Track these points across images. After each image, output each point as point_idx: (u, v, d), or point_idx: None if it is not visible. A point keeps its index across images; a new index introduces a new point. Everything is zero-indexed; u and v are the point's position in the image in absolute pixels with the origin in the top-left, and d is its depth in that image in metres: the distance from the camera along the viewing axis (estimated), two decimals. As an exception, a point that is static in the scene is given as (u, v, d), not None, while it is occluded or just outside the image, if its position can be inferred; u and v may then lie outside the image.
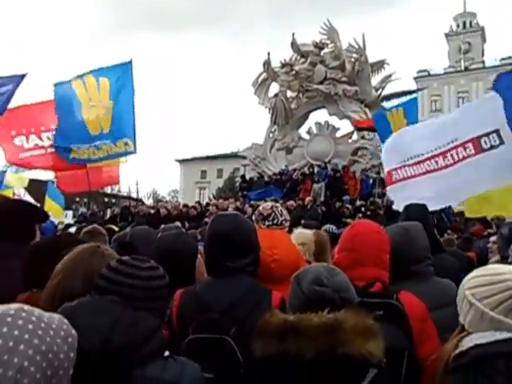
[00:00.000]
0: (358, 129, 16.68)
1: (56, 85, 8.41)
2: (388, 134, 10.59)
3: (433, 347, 1.76)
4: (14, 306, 0.81)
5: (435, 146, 5.03)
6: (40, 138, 8.72)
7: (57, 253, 1.62)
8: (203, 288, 1.90)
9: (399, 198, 5.30)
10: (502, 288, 1.34)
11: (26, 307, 0.81)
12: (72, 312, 1.20)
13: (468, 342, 1.35)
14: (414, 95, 15.69)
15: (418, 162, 5.18)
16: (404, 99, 13.30)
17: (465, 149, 4.72)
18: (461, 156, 4.75)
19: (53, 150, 8.68)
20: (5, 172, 12.48)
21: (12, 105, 7.98)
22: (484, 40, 52.40)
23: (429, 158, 5.07)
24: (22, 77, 6.35)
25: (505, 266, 1.47)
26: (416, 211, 3.16)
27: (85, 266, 1.51)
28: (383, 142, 11.23)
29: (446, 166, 4.87)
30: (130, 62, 7.90)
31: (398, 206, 5.05)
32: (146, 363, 1.20)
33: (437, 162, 4.98)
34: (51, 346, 0.77)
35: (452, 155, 4.82)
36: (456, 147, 4.79)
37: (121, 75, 7.92)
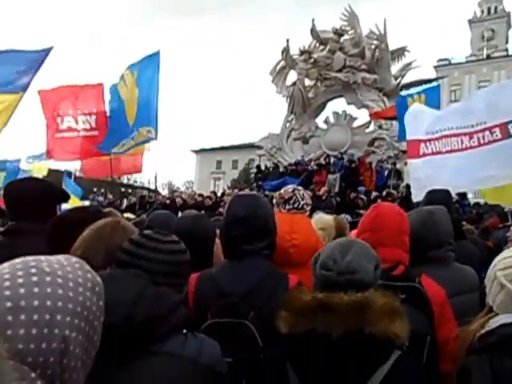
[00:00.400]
0: (376, 119, 16.48)
1: (110, 88, 8.86)
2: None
3: (450, 330, 1.76)
4: (30, 261, 0.74)
5: (462, 124, 4.93)
6: (76, 121, 9.06)
7: (80, 226, 1.61)
8: (220, 272, 1.87)
9: (421, 181, 5.15)
10: None
11: (43, 262, 0.75)
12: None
13: (496, 322, 1.34)
14: (434, 83, 15.34)
15: (445, 136, 5.07)
16: (425, 87, 13.04)
17: (491, 133, 4.60)
18: (486, 140, 4.64)
19: (85, 134, 9.05)
20: (19, 167, 12.89)
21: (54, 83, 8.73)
22: (509, 26, 51.01)
23: (455, 135, 4.97)
24: (48, 51, 6.03)
25: None
26: (440, 197, 3.11)
27: (106, 241, 1.50)
28: (403, 131, 11.15)
29: (471, 147, 4.77)
30: (158, 53, 8.09)
31: (418, 195, 5.02)
32: (167, 338, 1.20)
33: (462, 142, 4.88)
34: (85, 303, 0.74)
35: (478, 138, 4.72)
36: (483, 130, 4.68)
37: (148, 64, 8.13)
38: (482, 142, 4.67)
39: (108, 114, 8.92)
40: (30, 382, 0.64)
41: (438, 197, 3.13)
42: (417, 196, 5.09)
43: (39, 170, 13.55)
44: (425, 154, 5.25)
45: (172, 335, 1.21)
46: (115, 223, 1.60)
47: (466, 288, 2.20)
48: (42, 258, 0.76)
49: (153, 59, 8.12)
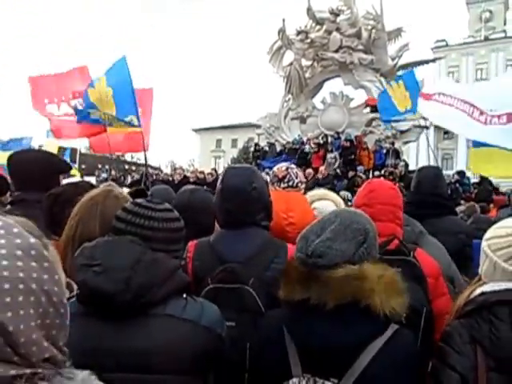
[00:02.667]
0: (370, 107, 16.35)
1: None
2: (389, 105, 10.51)
3: (444, 303, 1.81)
4: None
5: (475, 101, 5.17)
6: (70, 106, 9.08)
7: (74, 199, 1.62)
8: (218, 240, 1.86)
9: (432, 113, 5.69)
10: None
11: None
12: (92, 252, 1.21)
13: (478, 291, 1.39)
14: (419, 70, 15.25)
15: (460, 99, 5.34)
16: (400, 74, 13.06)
17: (499, 119, 4.82)
18: (493, 122, 4.89)
19: (67, 118, 9.00)
20: (30, 144, 12.96)
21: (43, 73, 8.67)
22: (507, 8, 49.99)
23: (470, 105, 5.22)
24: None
25: None
26: (428, 172, 3.17)
27: (100, 209, 1.50)
28: (382, 115, 11.22)
29: (479, 121, 5.01)
30: (124, 58, 8.32)
31: (431, 116, 5.61)
32: (167, 302, 1.21)
33: (473, 112, 5.14)
34: (16, 275, 0.66)
35: (486, 118, 4.95)
36: (492, 116, 4.91)
37: (116, 67, 8.33)
38: (488, 122, 4.92)
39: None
40: None
41: (425, 173, 3.17)
42: (424, 112, 5.74)
43: (51, 147, 13.67)
44: (436, 100, 5.61)
45: (172, 299, 1.22)
46: (108, 191, 1.60)
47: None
48: None
49: (120, 64, 8.36)
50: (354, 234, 1.34)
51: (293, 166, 2.62)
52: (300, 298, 1.32)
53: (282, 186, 2.45)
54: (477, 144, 5.74)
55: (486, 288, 1.36)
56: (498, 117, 4.79)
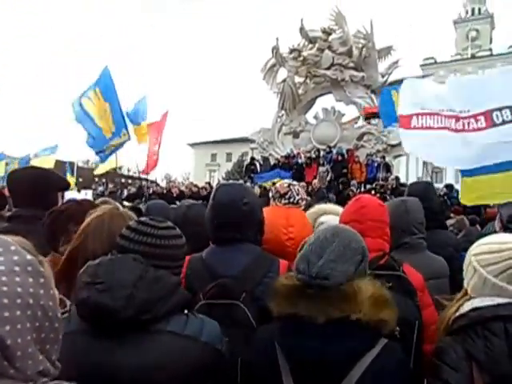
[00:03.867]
0: (367, 117, 16.51)
1: (72, 104, 9.58)
2: (390, 112, 10.57)
3: (430, 314, 1.81)
4: None
5: (451, 106, 4.82)
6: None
7: (75, 217, 1.64)
8: (210, 255, 1.85)
9: (415, 144, 5.19)
10: (506, 256, 1.33)
11: None
12: (96, 270, 1.22)
13: (468, 306, 1.37)
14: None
15: (436, 114, 4.94)
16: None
17: (476, 121, 4.48)
18: (471, 127, 4.52)
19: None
20: (29, 159, 13.15)
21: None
22: (493, 27, 51.14)
23: (446, 116, 4.84)
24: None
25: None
26: (418, 187, 3.18)
27: (107, 228, 1.52)
28: (384, 114, 11.23)
29: (457, 131, 4.64)
30: (106, 67, 9.11)
31: (412, 150, 5.09)
32: (169, 318, 1.21)
33: (450, 124, 4.77)
34: (14, 290, 0.68)
35: (463, 123, 4.59)
36: (468, 117, 4.57)
37: (104, 79, 9.06)
38: (467, 127, 4.54)
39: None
40: None
41: (415, 188, 3.17)
42: (407, 147, 5.19)
43: (46, 162, 13.79)
44: (416, 128, 5.13)
45: (173, 315, 1.23)
46: (114, 210, 1.62)
47: (438, 273, 2.27)
48: None
49: (105, 74, 9.08)
50: (353, 254, 1.36)
51: (295, 182, 2.63)
52: (289, 312, 1.32)
53: (283, 201, 2.45)
54: (466, 173, 5.28)
55: (478, 303, 1.35)
56: (476, 119, 4.51)
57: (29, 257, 0.73)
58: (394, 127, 11.29)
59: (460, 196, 5.75)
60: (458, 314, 1.39)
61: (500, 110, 4.31)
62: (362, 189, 13.47)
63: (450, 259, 2.64)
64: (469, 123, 4.52)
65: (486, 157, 4.34)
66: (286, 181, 2.66)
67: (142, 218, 1.37)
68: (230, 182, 2.13)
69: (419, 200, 2.68)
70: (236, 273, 1.73)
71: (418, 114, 5.10)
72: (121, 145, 9.39)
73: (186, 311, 1.29)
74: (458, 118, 4.66)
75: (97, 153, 9.91)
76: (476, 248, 1.43)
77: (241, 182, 2.31)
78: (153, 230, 1.30)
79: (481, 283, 1.37)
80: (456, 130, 4.63)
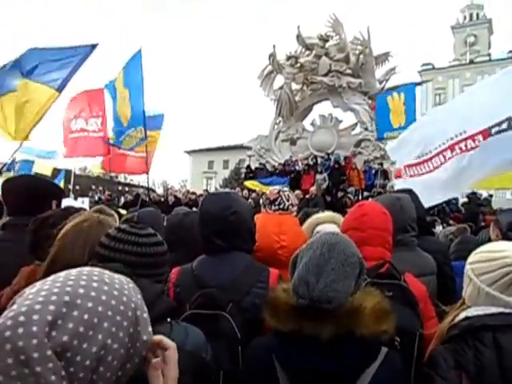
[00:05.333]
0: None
1: (106, 85, 9.00)
2: (385, 119, 10.63)
3: (433, 325, 1.77)
4: (95, 270, 0.79)
5: (443, 140, 4.66)
6: (86, 123, 9.46)
7: (60, 224, 1.61)
8: (199, 265, 1.85)
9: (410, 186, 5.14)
10: (500, 265, 1.34)
11: (105, 274, 0.79)
12: None
13: (462, 315, 1.38)
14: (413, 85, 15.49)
15: (427, 160, 4.85)
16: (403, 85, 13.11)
17: (474, 141, 4.29)
18: (469, 147, 4.33)
19: (93, 135, 9.40)
20: (33, 162, 13.14)
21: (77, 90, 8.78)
22: (491, 32, 51.35)
23: (437, 154, 4.71)
24: (93, 47, 5.52)
25: (507, 243, 1.44)
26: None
27: (83, 235, 1.48)
28: (379, 126, 11.25)
29: (453, 157, 4.47)
30: (140, 51, 7.94)
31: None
32: (152, 328, 1.21)
33: (444, 157, 4.61)
34: (131, 321, 0.76)
35: (460, 147, 4.40)
36: (465, 139, 4.37)
37: (133, 64, 8.00)
38: (464, 149, 4.36)
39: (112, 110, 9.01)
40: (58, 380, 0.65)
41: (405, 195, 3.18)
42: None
43: (45, 169, 13.83)
44: (408, 176, 5.12)
45: (157, 324, 1.18)
46: (92, 218, 1.59)
47: (428, 271, 2.27)
48: (107, 272, 0.81)
49: (136, 58, 7.96)
50: (352, 270, 1.33)
51: (285, 189, 2.63)
52: (291, 329, 1.29)
53: (274, 208, 2.45)
54: None
55: (470, 312, 1.36)
56: (472, 139, 4.34)
57: (144, 307, 0.83)
58: (385, 137, 11.30)
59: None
60: (452, 323, 1.39)
61: (499, 124, 4.13)
62: (360, 196, 13.53)
63: (440, 265, 2.69)
64: (466, 145, 4.36)
65: (483, 167, 4.22)
66: (276, 187, 2.67)
67: (123, 226, 1.33)
68: (218, 191, 2.12)
69: None
70: (224, 283, 1.73)
71: (406, 166, 5.10)
72: (137, 144, 8.49)
73: (168, 319, 1.27)
74: (452, 148, 4.52)
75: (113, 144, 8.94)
76: (471, 257, 1.44)
77: (228, 190, 2.31)
78: (134, 238, 1.28)
79: (475, 292, 1.38)
80: (452, 157, 4.49)
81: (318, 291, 1.26)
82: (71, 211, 1.90)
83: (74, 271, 0.77)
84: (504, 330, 1.28)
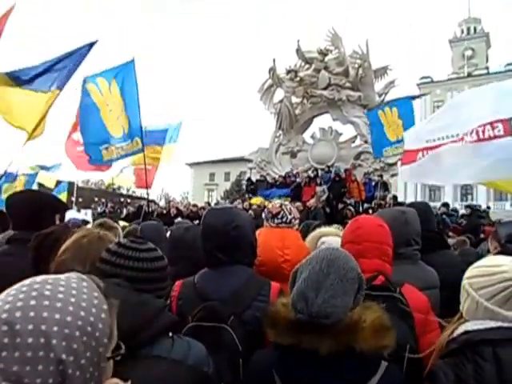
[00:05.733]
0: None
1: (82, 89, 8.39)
2: (380, 135, 10.56)
3: (434, 337, 1.74)
4: (35, 283, 0.74)
5: (463, 130, 4.42)
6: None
7: (62, 240, 1.63)
8: (201, 279, 1.89)
9: (413, 171, 4.84)
10: (498, 279, 1.34)
11: (47, 284, 0.74)
12: None
13: (461, 329, 1.38)
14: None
15: (444, 144, 4.59)
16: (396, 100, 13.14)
17: (493, 128, 4.06)
18: (487, 135, 4.08)
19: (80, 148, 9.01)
20: (36, 174, 13.21)
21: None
22: (488, 46, 51.65)
23: (455, 141, 4.46)
24: (91, 45, 5.36)
25: (505, 258, 1.44)
26: (418, 209, 3.05)
27: (83, 251, 1.50)
28: (375, 143, 11.18)
29: (470, 142, 4.20)
30: (133, 61, 7.75)
31: (408, 178, 4.77)
32: (154, 342, 1.20)
33: (462, 139, 4.34)
34: (84, 328, 0.72)
35: (477, 132, 4.14)
36: (484, 125, 4.12)
37: (126, 74, 7.78)
38: (482, 136, 4.13)
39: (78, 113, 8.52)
40: None
41: (415, 208, 3.11)
42: (405, 178, 4.88)
43: (48, 181, 13.94)
44: (417, 160, 4.88)
45: (159, 339, 1.21)
46: (92, 233, 1.60)
47: (430, 284, 2.26)
48: (51, 279, 0.76)
49: (128, 68, 7.75)
50: (351, 285, 1.34)
51: (286, 202, 2.66)
52: (290, 343, 1.30)
53: (276, 221, 2.47)
54: None
55: (469, 326, 1.36)
56: (492, 125, 4.11)
57: (105, 306, 0.78)
58: (384, 155, 11.25)
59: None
60: (451, 337, 1.39)
61: None
62: (360, 208, 13.55)
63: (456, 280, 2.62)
64: (484, 131, 4.12)
65: (505, 168, 3.93)
66: (278, 201, 2.70)
67: (123, 241, 1.34)
68: (219, 206, 2.16)
69: (420, 220, 2.59)
70: (226, 296, 1.75)
71: (424, 149, 4.83)
72: (133, 153, 8.19)
73: (170, 334, 1.27)
74: (471, 132, 4.24)
75: (88, 149, 8.25)
76: (469, 271, 1.45)
77: (229, 204, 2.30)
78: (134, 253, 1.29)
79: (473, 306, 1.38)
80: (469, 142, 4.22)
81: (317, 306, 1.27)
82: (73, 226, 1.92)
83: (12, 290, 0.72)
84: (503, 344, 1.28)
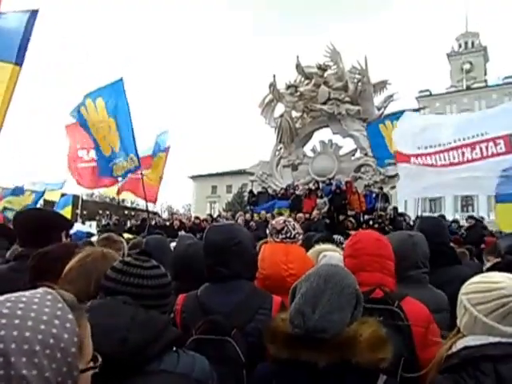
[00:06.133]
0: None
1: (72, 112, 8.60)
2: (382, 147, 10.67)
3: (435, 351, 1.76)
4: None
5: (459, 136, 4.52)
6: (88, 153, 9.55)
7: (61, 258, 1.65)
8: (204, 292, 1.93)
9: (413, 187, 4.90)
10: (496, 296, 1.34)
11: (6, 303, 0.74)
12: (89, 315, 1.24)
13: (460, 344, 1.37)
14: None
15: (441, 151, 4.70)
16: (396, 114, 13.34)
17: (496, 145, 4.22)
18: (490, 152, 4.25)
19: (93, 165, 9.34)
20: (43, 193, 13.43)
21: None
22: (486, 59, 51.81)
23: (454, 148, 4.57)
24: (33, 14, 4.79)
25: (501, 274, 1.45)
26: (430, 223, 3.10)
27: (87, 270, 1.52)
28: (377, 156, 11.24)
29: (474, 160, 4.35)
30: (121, 80, 7.90)
31: (405, 195, 4.85)
32: (161, 357, 1.22)
33: (463, 154, 4.48)
34: (46, 342, 0.72)
35: (481, 148, 4.30)
36: (486, 141, 4.27)
37: (114, 93, 7.88)
38: (485, 153, 4.28)
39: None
40: None
41: (428, 223, 3.10)
42: (403, 196, 4.93)
43: (53, 196, 14.14)
44: (417, 164, 4.99)
45: (165, 354, 1.24)
46: (95, 252, 1.63)
47: (441, 307, 2.25)
48: (14, 297, 0.76)
49: (117, 87, 7.86)
50: (348, 301, 1.36)
51: (290, 219, 2.71)
52: (289, 357, 1.32)
53: (281, 237, 2.52)
54: (503, 198, 4.83)
55: (469, 342, 1.36)
56: (494, 142, 4.24)
57: (70, 316, 0.77)
58: (387, 164, 11.35)
59: (498, 223, 5.37)
60: (450, 352, 1.39)
61: None
62: (361, 219, 13.58)
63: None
64: (487, 148, 4.27)
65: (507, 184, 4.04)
66: (282, 218, 2.76)
67: (127, 259, 1.37)
68: (220, 222, 2.23)
69: (432, 235, 2.64)
70: (228, 309, 1.79)
71: (417, 155, 4.92)
72: (129, 171, 8.32)
73: (174, 348, 1.30)
74: (473, 146, 4.38)
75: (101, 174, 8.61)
76: (465, 287, 1.45)
77: (230, 222, 2.35)
78: (139, 271, 1.31)
79: (472, 322, 1.38)
80: (473, 160, 4.37)
81: (313, 321, 1.29)
82: (72, 246, 1.95)
83: None
84: (504, 360, 1.28)
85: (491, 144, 4.26)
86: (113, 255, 1.64)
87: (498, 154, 4.22)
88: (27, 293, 0.78)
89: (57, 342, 0.73)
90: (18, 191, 13.11)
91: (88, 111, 8.11)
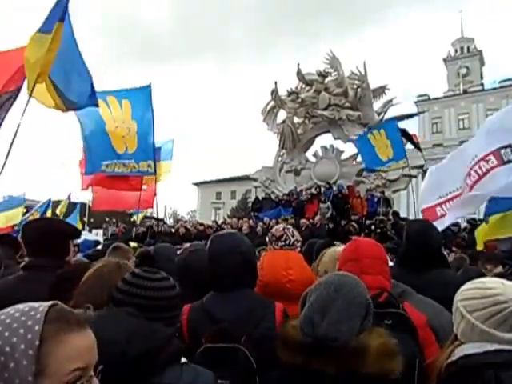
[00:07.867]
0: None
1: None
2: (373, 155, 10.81)
3: (434, 351, 1.76)
4: None
5: (464, 180, 4.70)
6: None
7: (77, 281, 1.63)
8: (209, 302, 1.93)
9: (447, 218, 5.17)
10: (491, 302, 1.33)
11: None
12: (92, 325, 1.22)
13: (459, 352, 1.35)
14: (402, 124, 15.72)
15: (455, 197, 4.99)
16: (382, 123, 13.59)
17: (487, 162, 4.34)
18: (484, 170, 4.35)
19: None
20: (48, 205, 13.38)
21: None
22: (482, 63, 51.91)
23: (461, 193, 4.79)
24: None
25: (494, 280, 1.44)
26: (416, 227, 3.02)
27: (105, 281, 1.52)
28: (367, 164, 11.38)
29: (472, 186, 4.47)
30: (150, 86, 7.79)
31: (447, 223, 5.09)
32: (164, 370, 1.21)
33: (466, 184, 4.61)
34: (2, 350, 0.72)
35: (476, 171, 4.43)
36: (478, 162, 4.42)
37: (141, 98, 7.76)
38: (481, 173, 4.38)
39: (85, 135, 8.13)
40: None
41: (415, 227, 3.00)
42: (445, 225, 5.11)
43: (61, 206, 14.16)
44: (442, 215, 5.21)
45: (168, 367, 1.22)
46: (112, 264, 1.64)
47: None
48: (21, 305, 0.79)
49: (144, 92, 7.72)
50: (357, 310, 1.34)
51: (289, 226, 2.72)
52: (299, 364, 1.31)
53: (280, 244, 2.53)
54: (491, 211, 5.15)
55: (468, 350, 1.34)
56: (485, 160, 4.35)
57: (36, 327, 0.76)
58: (377, 170, 11.48)
59: (477, 243, 5.68)
60: (449, 360, 1.37)
61: (506, 147, 4.20)
62: (363, 222, 13.49)
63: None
64: (481, 168, 4.38)
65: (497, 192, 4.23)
66: (281, 225, 2.76)
67: (136, 270, 1.38)
68: (224, 232, 2.20)
69: (417, 238, 2.65)
70: (234, 317, 1.79)
71: (440, 204, 5.19)
72: (141, 173, 8.00)
73: (183, 360, 1.29)
74: (469, 173, 4.53)
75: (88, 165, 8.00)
76: (460, 294, 1.43)
77: (233, 231, 2.33)
78: (147, 283, 1.32)
79: (469, 329, 1.36)
80: (474, 184, 4.48)
81: (323, 330, 1.28)
82: (87, 265, 1.92)
83: None
84: (505, 368, 1.26)
85: (483, 163, 4.39)
86: (128, 267, 1.64)
87: (492, 168, 4.32)
88: (32, 303, 0.79)
89: (12, 352, 0.71)
90: (16, 201, 12.62)
91: (111, 109, 7.81)
